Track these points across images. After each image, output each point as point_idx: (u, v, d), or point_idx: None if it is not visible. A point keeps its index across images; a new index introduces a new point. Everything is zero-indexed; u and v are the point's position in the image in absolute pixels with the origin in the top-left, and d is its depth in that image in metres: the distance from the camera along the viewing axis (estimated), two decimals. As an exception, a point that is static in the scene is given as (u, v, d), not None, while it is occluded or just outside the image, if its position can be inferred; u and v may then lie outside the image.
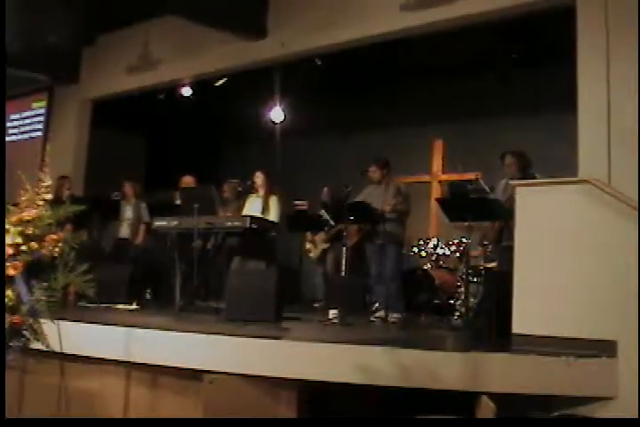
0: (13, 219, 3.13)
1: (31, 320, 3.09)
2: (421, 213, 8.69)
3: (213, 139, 11.17)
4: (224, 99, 9.37)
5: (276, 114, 9.67)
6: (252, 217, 5.99)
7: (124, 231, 7.76)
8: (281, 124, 9.79)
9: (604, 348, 3.93)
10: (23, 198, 3.23)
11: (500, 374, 3.84)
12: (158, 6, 7.63)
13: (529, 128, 8.26)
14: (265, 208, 6.45)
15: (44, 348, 3.19)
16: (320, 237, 7.94)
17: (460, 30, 6.64)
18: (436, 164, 9.49)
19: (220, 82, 9.01)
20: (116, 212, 7.71)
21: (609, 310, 4.01)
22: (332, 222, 6.96)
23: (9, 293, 3.02)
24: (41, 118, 10.16)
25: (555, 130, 7.70)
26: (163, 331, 4.39)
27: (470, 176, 6.45)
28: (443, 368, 3.79)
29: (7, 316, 3.01)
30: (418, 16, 6.49)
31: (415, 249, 8.12)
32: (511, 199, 4.76)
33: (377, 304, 6.30)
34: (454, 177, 8.60)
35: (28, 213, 3.15)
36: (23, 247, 3.08)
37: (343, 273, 6.16)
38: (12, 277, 3.04)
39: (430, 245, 8.06)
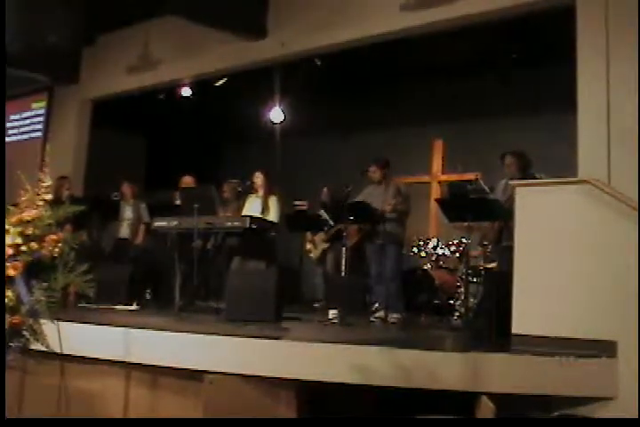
0: (13, 219, 3.13)
1: (31, 321, 3.09)
2: (421, 213, 8.69)
3: (213, 139, 11.17)
4: (224, 99, 9.38)
5: (276, 114, 9.67)
6: (251, 217, 5.99)
7: (124, 231, 7.76)
8: (281, 125, 9.79)
9: (604, 348, 3.93)
10: (23, 199, 3.23)
11: (499, 374, 3.84)
12: (158, 6, 7.63)
13: (529, 128, 8.26)
14: (265, 208, 6.45)
15: (43, 348, 3.19)
16: (320, 237, 7.94)
17: (460, 30, 6.64)
18: (436, 164, 9.49)
19: (220, 82, 9.01)
20: (115, 212, 7.72)
21: (609, 310, 4.01)
22: (331, 222, 6.96)
23: (9, 293, 3.02)
24: (41, 118, 10.16)
25: (554, 130, 7.70)
26: (163, 331, 4.39)
27: (470, 176, 6.45)
28: (442, 368, 3.79)
29: (7, 316, 3.01)
30: (418, 16, 6.49)
31: (415, 249, 8.11)
32: (511, 199, 4.76)
33: (377, 304, 6.30)
34: (454, 177, 8.60)
35: (28, 214, 3.15)
36: (23, 248, 3.07)
37: (343, 273, 6.16)
38: (11, 278, 3.03)
39: (430, 245, 8.06)
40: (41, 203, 3.22)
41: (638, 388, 3.75)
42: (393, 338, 5.05)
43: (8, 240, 3.06)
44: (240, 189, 6.95)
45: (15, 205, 3.23)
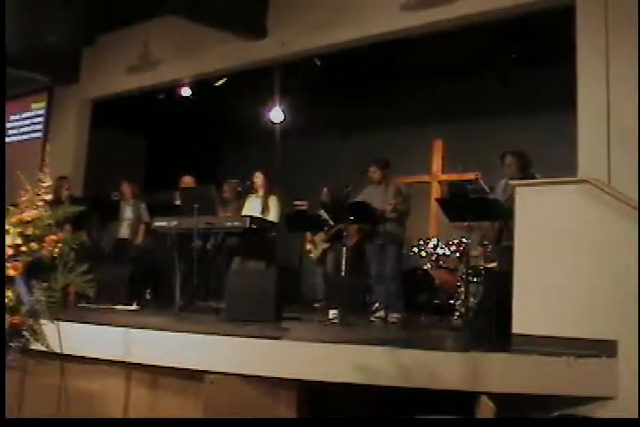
0: (13, 219, 3.13)
1: (31, 321, 3.09)
2: (421, 213, 8.69)
3: (213, 139, 11.17)
4: (224, 99, 9.37)
5: (276, 114, 9.68)
6: (251, 217, 5.99)
7: (124, 231, 7.76)
8: (281, 125, 9.80)
9: (604, 348, 3.93)
10: (23, 199, 3.23)
11: (499, 374, 3.84)
12: (158, 6, 7.64)
13: (528, 128, 8.26)
14: (264, 208, 6.45)
15: (43, 348, 3.19)
16: (320, 237, 7.94)
17: (459, 30, 6.64)
18: (436, 164, 9.49)
19: (220, 82, 9.01)
20: (115, 212, 7.72)
21: (609, 309, 4.01)
22: (331, 222, 6.96)
23: (9, 293, 3.02)
24: (41, 119, 10.16)
25: (554, 130, 7.71)
26: (163, 331, 4.39)
27: (470, 176, 6.44)
28: (442, 368, 3.78)
29: (7, 316, 3.01)
30: (418, 16, 6.49)
31: (415, 249, 8.12)
32: (511, 199, 4.76)
33: (377, 304, 6.30)
34: (454, 177, 8.59)
35: (28, 214, 3.15)
36: (23, 248, 3.07)
37: (343, 273, 6.16)
38: (12, 278, 3.04)
39: (430, 245, 8.06)
40: (41, 203, 3.22)
41: (638, 388, 3.75)
42: (393, 338, 5.04)
43: (8, 240, 3.06)
44: (240, 189, 6.95)
45: (15, 205, 3.23)
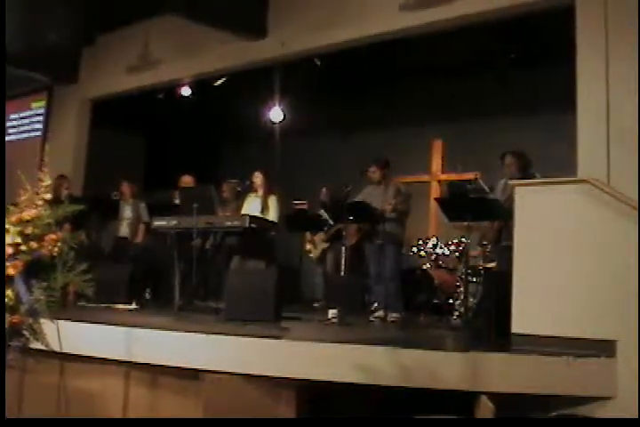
0: (13, 219, 3.13)
1: (31, 320, 3.09)
2: (421, 212, 8.69)
3: (213, 138, 11.17)
4: (223, 98, 9.37)
5: (276, 114, 9.67)
6: (251, 216, 5.99)
7: (124, 231, 7.76)
8: (280, 124, 9.79)
9: (604, 348, 3.93)
10: (23, 198, 3.23)
11: (499, 373, 3.84)
12: (158, 6, 7.64)
13: (528, 128, 8.26)
14: (264, 208, 6.45)
15: (43, 347, 3.19)
16: (320, 236, 7.94)
17: (458, 30, 6.64)
18: (436, 163, 9.50)
19: (220, 82, 9.00)
20: (114, 211, 7.72)
21: (608, 309, 4.01)
22: (331, 222, 6.96)
23: (8, 292, 3.02)
24: (40, 118, 10.15)
25: (553, 130, 7.70)
26: (162, 331, 4.39)
27: (469, 176, 6.45)
28: (442, 368, 3.78)
29: (7, 315, 3.01)
30: (417, 16, 6.49)
31: (414, 249, 8.12)
32: (510, 199, 4.76)
33: (376, 304, 6.30)
34: (453, 177, 8.60)
35: (28, 213, 3.15)
36: (23, 247, 3.08)
37: (342, 273, 6.16)
38: (11, 277, 3.04)
39: (429, 244, 8.06)
40: (40, 202, 3.22)
41: (638, 387, 3.75)
42: (393, 338, 5.04)
43: (8, 239, 3.06)
44: (239, 189, 6.95)
45: (15, 204, 3.23)
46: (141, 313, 6.19)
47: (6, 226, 3.10)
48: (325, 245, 7.89)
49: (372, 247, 6.26)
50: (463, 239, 7.17)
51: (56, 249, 3.15)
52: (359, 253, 6.54)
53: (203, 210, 5.89)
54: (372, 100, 9.44)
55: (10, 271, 3.02)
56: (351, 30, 6.97)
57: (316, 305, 7.78)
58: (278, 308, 5.45)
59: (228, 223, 5.96)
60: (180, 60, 8.42)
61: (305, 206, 8.53)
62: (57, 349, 3.23)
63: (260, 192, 6.59)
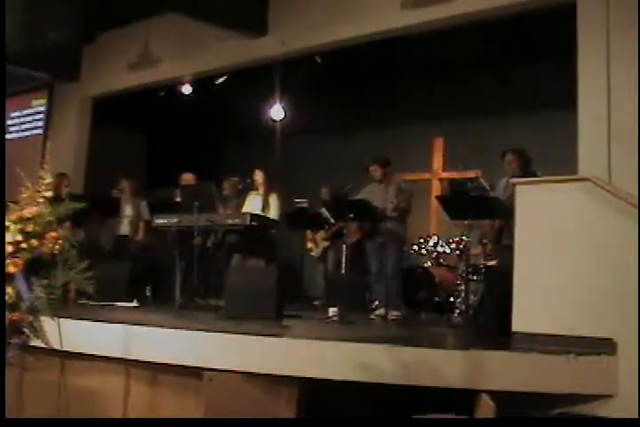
0: (13, 216, 3.13)
1: (31, 317, 3.10)
2: (422, 210, 8.67)
3: (214, 136, 11.17)
4: (224, 96, 9.37)
5: (277, 112, 9.66)
6: (252, 214, 5.99)
7: (125, 228, 7.76)
8: (281, 122, 9.78)
9: (604, 346, 3.93)
10: (23, 196, 3.23)
11: (499, 372, 3.83)
12: (158, 4, 7.64)
13: (529, 126, 8.25)
14: (265, 206, 6.45)
15: (43, 345, 3.19)
16: (321, 235, 7.94)
17: (459, 29, 6.63)
18: (437, 162, 9.47)
19: (221, 79, 9.00)
20: (115, 209, 7.71)
21: (609, 308, 4.01)
22: (332, 220, 6.96)
23: (9, 290, 3.03)
24: (41, 116, 10.15)
25: (554, 128, 7.70)
26: (162, 328, 4.39)
27: (471, 174, 6.45)
28: (443, 366, 3.78)
29: (7, 313, 3.02)
30: (418, 14, 6.48)
31: (415, 247, 8.11)
32: (512, 197, 4.75)
33: (377, 302, 6.30)
34: (455, 175, 8.58)
35: (28, 211, 3.15)
36: (23, 245, 3.08)
37: (343, 271, 6.16)
38: (12, 275, 3.04)
39: (430, 243, 8.05)
40: (41, 200, 3.22)
41: (638, 386, 3.75)
42: (393, 336, 5.04)
43: (8, 237, 3.06)
44: (240, 187, 6.95)
45: (15, 202, 3.23)
46: (142, 311, 6.18)
47: (7, 224, 3.10)
48: (326, 244, 7.89)
49: (373, 245, 6.26)
50: (464, 237, 7.16)
51: (57, 247, 3.15)
52: (360, 252, 6.54)
53: (204, 208, 5.89)
54: (372, 98, 9.43)
55: (10, 269, 3.02)
56: (352, 28, 6.96)
57: (316, 303, 7.77)
58: (279, 306, 5.46)
59: (229, 221, 5.96)
60: (181, 58, 8.42)
61: (306, 205, 8.52)
62: (57, 346, 3.23)
63: (261, 190, 6.59)
